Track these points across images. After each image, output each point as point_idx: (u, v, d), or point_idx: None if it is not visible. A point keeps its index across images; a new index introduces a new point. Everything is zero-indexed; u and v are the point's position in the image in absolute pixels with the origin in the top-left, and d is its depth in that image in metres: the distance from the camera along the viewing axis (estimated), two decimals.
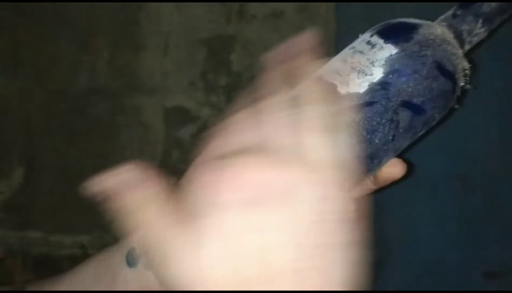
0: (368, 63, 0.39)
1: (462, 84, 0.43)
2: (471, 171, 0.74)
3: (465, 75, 0.44)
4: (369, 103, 0.38)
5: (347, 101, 0.38)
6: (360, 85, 0.39)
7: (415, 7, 0.72)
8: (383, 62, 0.39)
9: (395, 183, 0.43)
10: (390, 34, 0.41)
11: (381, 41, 0.40)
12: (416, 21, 0.42)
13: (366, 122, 0.39)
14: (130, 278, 0.46)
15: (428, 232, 0.75)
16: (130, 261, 0.46)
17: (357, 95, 0.38)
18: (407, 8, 0.72)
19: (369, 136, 0.39)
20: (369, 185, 0.44)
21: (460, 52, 0.43)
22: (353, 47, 0.41)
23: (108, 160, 0.72)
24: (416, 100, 0.40)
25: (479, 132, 0.74)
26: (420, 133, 0.43)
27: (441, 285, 0.75)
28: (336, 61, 0.41)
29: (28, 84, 0.73)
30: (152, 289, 0.46)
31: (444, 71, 0.41)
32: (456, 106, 0.44)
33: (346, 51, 0.41)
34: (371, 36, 0.41)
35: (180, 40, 0.70)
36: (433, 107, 0.41)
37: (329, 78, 0.39)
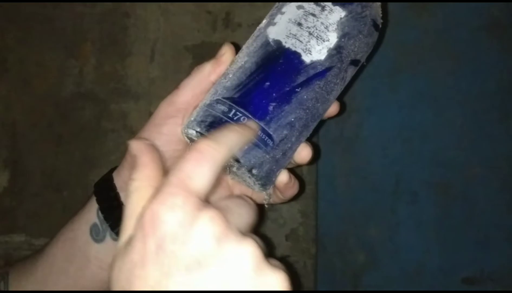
0: (323, 28, 0.43)
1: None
2: (451, 178, 0.76)
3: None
4: (329, 68, 0.42)
5: (312, 70, 0.42)
6: (320, 52, 0.42)
7: (396, 10, 0.74)
8: (335, 26, 0.43)
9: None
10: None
11: (329, 3, 0.43)
12: None
13: (327, 85, 0.43)
14: (100, 252, 0.48)
15: (408, 238, 0.76)
16: (96, 236, 0.48)
17: (320, 62, 0.42)
18: (389, 15, 0.74)
19: (328, 96, 0.43)
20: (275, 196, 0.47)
21: (378, 4, 0.47)
22: (302, 7, 0.43)
23: (93, 165, 0.73)
24: (359, 57, 0.45)
25: (459, 141, 0.75)
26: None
27: (420, 289, 0.76)
28: (289, 24, 0.43)
29: (15, 89, 0.73)
30: None
31: (377, 27, 0.46)
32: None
33: (295, 11, 0.43)
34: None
35: (167, 47, 0.71)
36: (366, 57, 0.47)
37: (291, 46, 0.43)
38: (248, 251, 0.30)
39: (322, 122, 0.71)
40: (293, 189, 0.46)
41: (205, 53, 0.69)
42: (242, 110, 0.40)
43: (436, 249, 0.77)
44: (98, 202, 0.49)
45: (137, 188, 0.33)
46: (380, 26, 0.46)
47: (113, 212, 0.48)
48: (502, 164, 0.75)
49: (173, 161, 0.41)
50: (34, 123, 0.73)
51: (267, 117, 0.40)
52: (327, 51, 0.42)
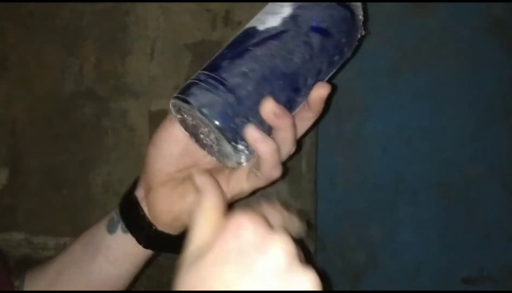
0: (278, 6, 0.48)
1: (361, 16, 0.51)
2: (452, 179, 0.76)
3: (363, 9, 0.51)
4: (284, 31, 0.47)
5: (266, 33, 0.47)
6: (274, 21, 0.47)
7: (397, 9, 0.74)
8: (290, 2, 0.48)
9: (325, 104, 0.49)
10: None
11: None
12: None
13: (285, 45, 0.46)
14: (111, 243, 0.52)
15: (408, 238, 0.76)
16: (110, 228, 0.52)
17: (273, 27, 0.47)
18: (389, 14, 0.74)
19: (289, 56, 0.46)
20: (306, 114, 0.50)
21: None
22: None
23: (93, 163, 0.73)
24: (322, 25, 0.48)
25: (459, 140, 0.75)
26: (336, 57, 0.50)
27: (420, 289, 0.76)
28: (259, 15, 0.50)
29: (15, 87, 0.73)
30: (130, 251, 0.52)
31: (340, 2, 0.49)
32: (363, 33, 0.52)
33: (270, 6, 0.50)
34: None
35: (166, 46, 0.71)
36: (339, 32, 0.49)
37: (251, 24, 0.49)
38: (311, 280, 0.33)
39: (322, 121, 0.71)
40: (271, 158, 0.46)
41: (205, 51, 0.69)
42: (204, 72, 0.46)
43: (436, 248, 0.76)
44: (125, 220, 0.52)
45: (206, 209, 0.37)
46: (348, 4, 0.50)
47: (126, 202, 0.53)
48: (502, 163, 0.75)
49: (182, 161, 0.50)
50: (34, 121, 0.73)
51: (220, 69, 0.45)
52: (281, 19, 0.47)
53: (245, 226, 0.34)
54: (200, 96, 0.44)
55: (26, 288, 0.55)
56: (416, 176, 0.76)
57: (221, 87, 0.44)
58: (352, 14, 0.50)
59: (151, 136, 0.51)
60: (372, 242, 0.77)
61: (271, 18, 0.48)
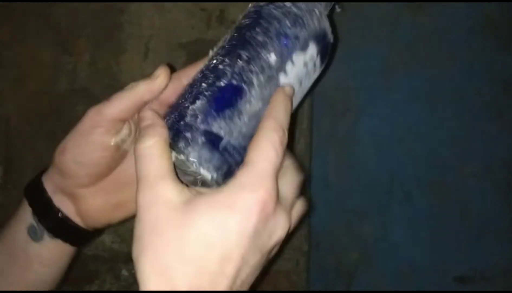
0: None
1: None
2: (445, 178, 0.76)
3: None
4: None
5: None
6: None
7: (390, 9, 0.74)
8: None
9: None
10: (323, 53, 0.48)
11: (318, 60, 0.48)
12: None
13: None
14: (41, 250, 0.50)
15: (401, 236, 0.77)
16: (34, 237, 0.50)
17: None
18: (383, 13, 0.74)
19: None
20: None
21: None
22: (307, 64, 0.48)
23: None
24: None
25: (453, 139, 0.75)
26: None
27: (413, 288, 0.76)
28: (296, 84, 0.47)
29: (9, 85, 0.73)
30: (63, 250, 0.51)
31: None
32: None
33: (302, 67, 0.47)
34: (312, 57, 0.48)
35: (161, 44, 0.70)
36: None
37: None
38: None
39: (315, 120, 0.71)
40: None
41: (199, 50, 0.69)
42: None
43: (429, 247, 0.77)
44: (31, 205, 0.50)
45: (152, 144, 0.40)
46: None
47: (47, 215, 0.49)
48: (496, 163, 0.75)
49: (101, 168, 0.47)
50: (28, 119, 0.73)
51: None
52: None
53: (270, 210, 0.38)
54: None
55: None
56: (409, 175, 0.76)
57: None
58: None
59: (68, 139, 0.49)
60: (365, 241, 0.77)
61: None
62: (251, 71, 0.44)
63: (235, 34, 0.46)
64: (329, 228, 0.77)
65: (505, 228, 0.76)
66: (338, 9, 0.53)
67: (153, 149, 0.40)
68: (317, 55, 0.47)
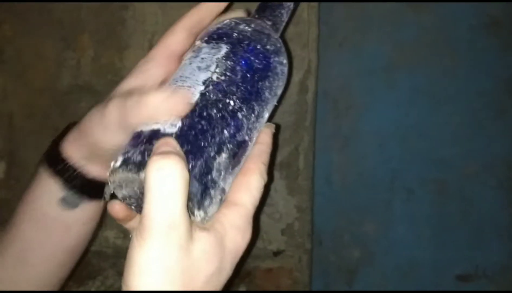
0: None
1: None
2: (446, 175, 0.76)
3: None
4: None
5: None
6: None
7: (394, 7, 0.74)
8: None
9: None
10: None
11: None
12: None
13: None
14: (79, 215, 0.52)
15: (403, 234, 0.77)
16: (68, 206, 0.51)
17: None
18: (387, 11, 0.74)
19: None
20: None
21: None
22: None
23: None
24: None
25: (455, 138, 0.75)
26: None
27: (415, 286, 0.76)
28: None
29: (12, 80, 0.73)
30: (97, 209, 0.53)
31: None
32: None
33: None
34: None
35: None
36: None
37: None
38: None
39: (319, 118, 0.71)
40: None
41: None
42: None
43: (431, 245, 0.77)
44: (60, 177, 0.50)
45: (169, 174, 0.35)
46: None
47: (78, 181, 0.50)
48: (497, 161, 0.76)
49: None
50: (31, 114, 0.73)
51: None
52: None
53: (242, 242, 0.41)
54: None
55: None
56: (412, 173, 0.76)
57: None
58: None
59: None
60: (367, 238, 0.77)
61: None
62: (256, 129, 0.44)
63: (245, 70, 0.44)
64: (331, 226, 0.77)
65: (506, 226, 0.76)
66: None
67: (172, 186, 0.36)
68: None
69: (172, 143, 0.38)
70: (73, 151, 0.50)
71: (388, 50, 0.75)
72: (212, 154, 0.39)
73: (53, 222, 0.51)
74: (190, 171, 0.37)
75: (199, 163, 0.38)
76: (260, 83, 0.44)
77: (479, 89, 0.75)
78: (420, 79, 0.75)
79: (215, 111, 0.41)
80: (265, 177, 0.43)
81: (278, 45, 0.48)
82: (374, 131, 0.76)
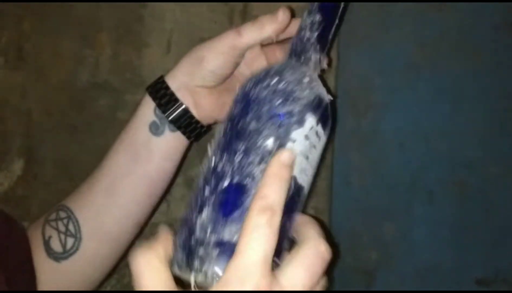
0: (317, 160, 0.47)
1: None
2: (468, 177, 0.75)
3: None
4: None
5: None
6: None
7: (416, 5, 0.73)
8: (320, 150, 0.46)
9: None
10: (327, 124, 0.46)
11: (324, 133, 0.46)
12: (326, 96, 0.47)
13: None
14: (161, 143, 0.59)
15: (422, 237, 0.76)
16: (155, 131, 0.58)
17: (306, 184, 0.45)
18: (408, 9, 0.73)
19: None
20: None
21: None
22: (308, 138, 0.44)
23: None
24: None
25: (478, 139, 0.74)
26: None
27: (433, 290, 0.75)
28: (300, 158, 0.43)
29: (30, 77, 0.73)
30: (179, 144, 0.60)
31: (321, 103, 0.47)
32: None
33: (303, 139, 0.44)
34: (317, 124, 0.45)
35: (182, 39, 0.70)
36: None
37: (303, 182, 0.44)
38: None
39: (338, 118, 0.70)
40: None
41: None
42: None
43: (451, 248, 0.76)
44: (155, 99, 0.58)
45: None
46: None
47: (170, 106, 0.58)
48: None
49: (226, 76, 0.58)
50: (49, 112, 0.73)
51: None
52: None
53: None
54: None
55: (79, 217, 0.59)
56: (433, 174, 0.75)
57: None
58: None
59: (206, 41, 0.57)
60: (386, 240, 0.76)
61: (311, 178, 0.47)
62: (251, 164, 0.41)
63: (228, 125, 0.44)
64: (349, 227, 0.76)
65: None
66: (325, 66, 0.52)
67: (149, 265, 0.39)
68: (317, 123, 0.44)
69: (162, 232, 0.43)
70: (174, 77, 0.58)
71: (410, 49, 0.74)
72: (193, 217, 0.40)
73: (140, 148, 0.58)
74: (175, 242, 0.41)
75: (183, 230, 0.41)
76: (236, 119, 0.44)
77: (502, 90, 0.73)
78: (442, 78, 0.74)
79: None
80: (266, 212, 0.38)
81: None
82: (394, 131, 0.75)
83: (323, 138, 0.46)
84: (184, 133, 0.59)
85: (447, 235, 0.75)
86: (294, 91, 0.44)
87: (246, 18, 0.68)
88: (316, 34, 0.50)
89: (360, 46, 0.74)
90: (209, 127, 0.62)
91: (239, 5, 0.68)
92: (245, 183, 0.40)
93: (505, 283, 0.75)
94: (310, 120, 0.44)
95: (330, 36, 0.52)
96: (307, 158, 0.44)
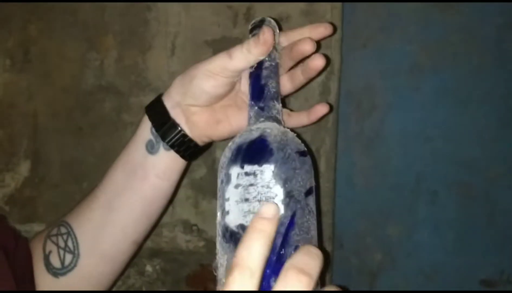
0: (266, 189, 0.45)
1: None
2: (472, 179, 0.75)
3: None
4: (293, 215, 0.45)
5: (282, 227, 0.44)
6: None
7: (419, 6, 0.73)
8: (274, 180, 0.45)
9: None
10: (256, 157, 0.47)
11: (256, 166, 0.46)
12: (255, 134, 0.49)
13: (302, 228, 0.45)
14: (156, 161, 0.59)
15: (427, 238, 0.76)
16: (151, 150, 0.59)
17: (283, 216, 0.44)
18: (412, 10, 0.73)
19: (308, 235, 0.46)
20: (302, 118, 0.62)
21: (292, 135, 0.50)
22: (239, 185, 0.46)
23: (112, 157, 0.73)
24: (308, 185, 0.47)
25: (482, 140, 0.74)
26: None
27: (438, 290, 0.75)
28: (239, 205, 0.46)
29: (36, 80, 0.74)
30: (174, 164, 0.60)
31: (304, 153, 0.49)
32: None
33: (235, 191, 0.46)
34: (242, 167, 0.47)
35: (187, 41, 0.70)
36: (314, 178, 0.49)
37: (244, 222, 0.45)
38: None
39: (341, 119, 0.71)
40: None
41: (225, 48, 0.68)
42: None
43: (455, 249, 0.76)
44: (151, 119, 0.59)
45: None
46: (305, 149, 0.49)
47: (164, 126, 0.58)
48: None
49: (219, 97, 0.58)
50: (55, 114, 0.74)
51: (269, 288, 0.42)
52: (282, 203, 0.45)
53: None
54: None
55: (77, 234, 0.60)
56: (436, 175, 0.75)
57: None
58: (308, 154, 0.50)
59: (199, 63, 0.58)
60: (390, 241, 0.76)
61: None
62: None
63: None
64: (353, 229, 0.76)
65: None
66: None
67: None
68: (241, 167, 0.47)
69: None
70: (169, 96, 0.59)
71: (413, 50, 0.74)
72: None
73: (137, 165, 0.59)
74: None
75: None
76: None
77: (506, 91, 0.73)
78: (445, 80, 0.74)
79: None
80: (243, 273, 0.38)
81: None
82: (398, 133, 0.75)
83: (257, 167, 0.46)
84: (178, 152, 0.59)
85: (451, 236, 0.76)
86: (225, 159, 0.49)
87: (249, 21, 0.69)
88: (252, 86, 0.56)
89: (363, 48, 0.74)
90: (205, 147, 0.62)
91: (243, 8, 0.69)
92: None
93: (509, 284, 0.75)
94: (234, 170, 0.47)
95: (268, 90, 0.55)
96: (246, 199, 0.45)
